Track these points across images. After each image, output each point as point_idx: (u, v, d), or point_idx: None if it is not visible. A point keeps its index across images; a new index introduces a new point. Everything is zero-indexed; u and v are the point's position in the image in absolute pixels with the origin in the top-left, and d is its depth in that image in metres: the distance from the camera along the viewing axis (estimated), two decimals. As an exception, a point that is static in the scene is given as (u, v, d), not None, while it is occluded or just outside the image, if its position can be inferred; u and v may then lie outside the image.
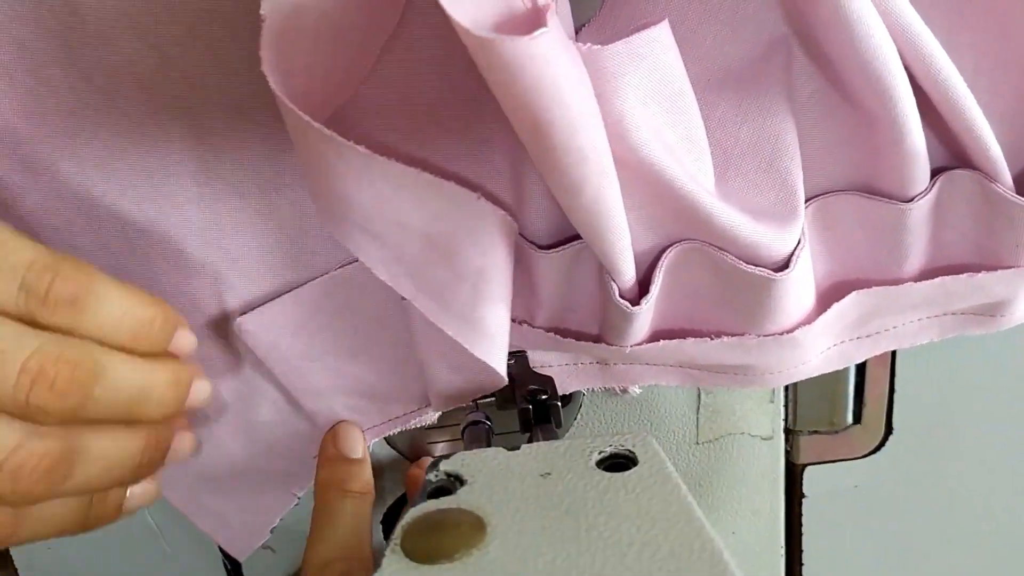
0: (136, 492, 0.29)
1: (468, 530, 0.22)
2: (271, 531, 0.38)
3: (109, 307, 0.25)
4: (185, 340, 0.27)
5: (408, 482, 0.35)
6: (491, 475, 0.24)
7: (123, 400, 0.25)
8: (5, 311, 0.23)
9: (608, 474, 0.24)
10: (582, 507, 0.22)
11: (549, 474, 0.24)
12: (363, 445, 0.34)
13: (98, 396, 0.24)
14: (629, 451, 0.25)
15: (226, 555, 0.40)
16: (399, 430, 0.36)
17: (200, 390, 0.28)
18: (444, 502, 0.23)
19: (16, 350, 0.23)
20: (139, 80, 0.28)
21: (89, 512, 0.27)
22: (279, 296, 0.32)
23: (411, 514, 0.23)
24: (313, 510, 0.33)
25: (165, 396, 0.26)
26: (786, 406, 0.39)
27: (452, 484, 0.25)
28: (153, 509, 0.39)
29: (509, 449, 0.26)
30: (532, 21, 0.22)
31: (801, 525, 0.42)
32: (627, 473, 0.24)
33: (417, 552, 0.21)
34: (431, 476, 0.25)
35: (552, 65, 0.22)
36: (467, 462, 0.25)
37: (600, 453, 0.25)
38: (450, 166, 0.31)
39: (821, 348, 0.34)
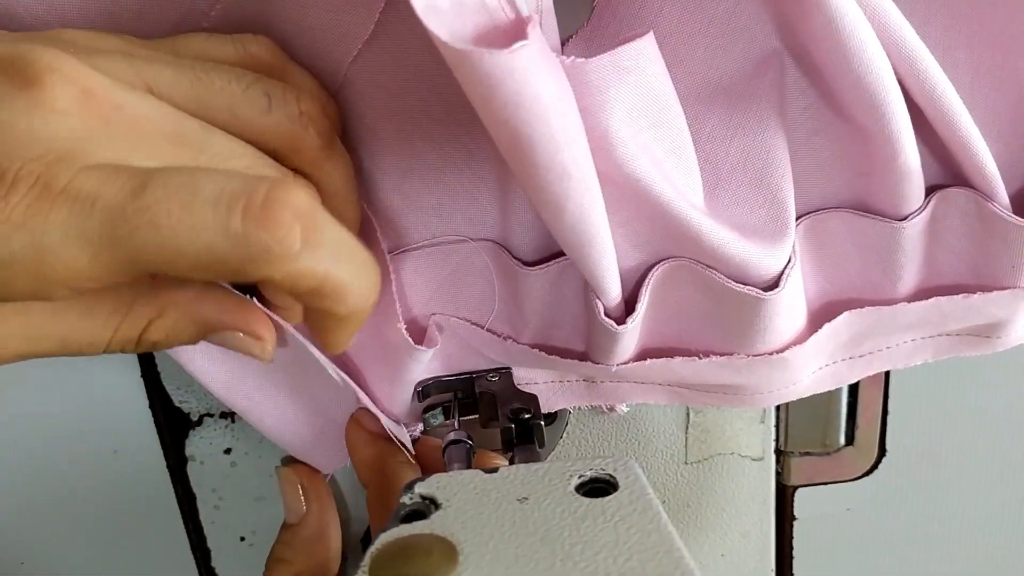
0: None
1: (439, 558, 0.21)
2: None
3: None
4: None
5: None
6: (467, 499, 0.24)
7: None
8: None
9: (587, 500, 0.23)
10: (558, 535, 0.22)
11: (527, 499, 0.24)
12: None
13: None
14: (610, 476, 0.24)
15: (197, 547, 0.40)
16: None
17: None
18: (417, 527, 0.23)
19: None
20: None
21: None
22: None
23: (382, 539, 0.22)
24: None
25: None
26: (777, 427, 0.39)
27: (426, 507, 0.24)
28: (118, 503, 0.39)
29: (487, 471, 0.25)
30: (513, 33, 0.22)
31: (792, 548, 0.42)
32: (607, 499, 0.23)
33: (386, 580, 0.21)
34: (405, 499, 0.24)
35: (532, 79, 0.21)
36: (443, 484, 0.25)
37: (580, 477, 0.24)
38: (436, 176, 0.30)
39: (812, 368, 0.34)
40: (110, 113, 0.21)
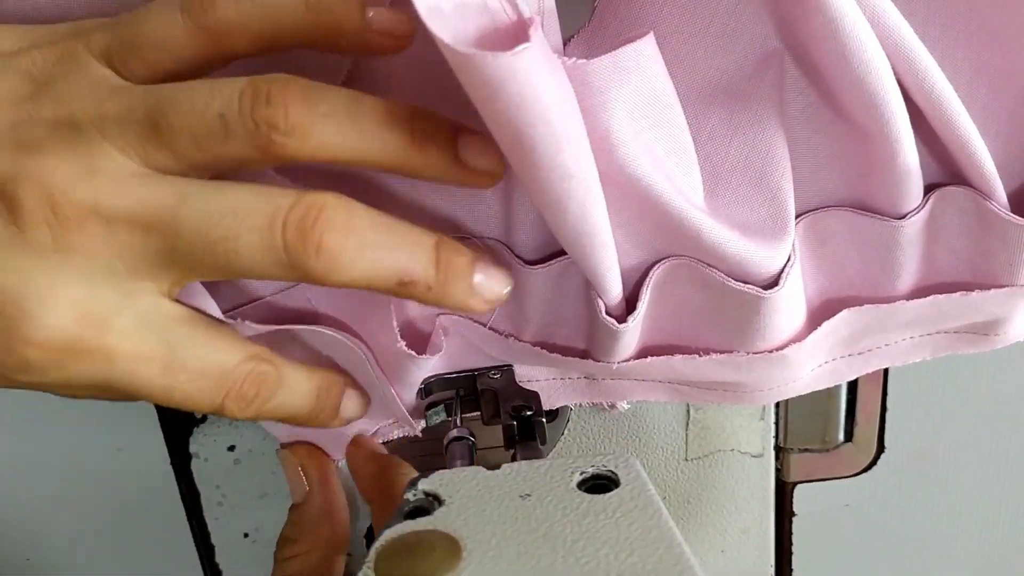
0: (349, 406, 0.32)
1: (442, 554, 0.21)
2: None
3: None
4: None
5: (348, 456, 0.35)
6: (469, 496, 0.24)
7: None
8: None
9: (588, 496, 0.23)
10: (560, 531, 0.22)
11: (529, 495, 0.24)
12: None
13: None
14: (611, 472, 0.25)
15: (200, 544, 0.40)
16: (381, 442, 0.35)
17: None
18: (420, 523, 0.23)
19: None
20: None
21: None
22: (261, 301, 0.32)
23: (386, 536, 0.22)
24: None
25: None
26: (777, 423, 0.39)
27: (430, 504, 0.24)
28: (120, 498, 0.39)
29: (489, 468, 0.26)
30: (515, 35, 0.22)
31: (791, 544, 0.42)
32: (608, 495, 0.23)
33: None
34: (409, 495, 0.25)
35: (535, 81, 0.21)
36: (445, 481, 0.25)
37: (582, 474, 0.25)
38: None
39: (812, 366, 0.34)
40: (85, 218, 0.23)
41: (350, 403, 0.32)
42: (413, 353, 0.31)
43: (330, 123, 0.24)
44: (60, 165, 0.23)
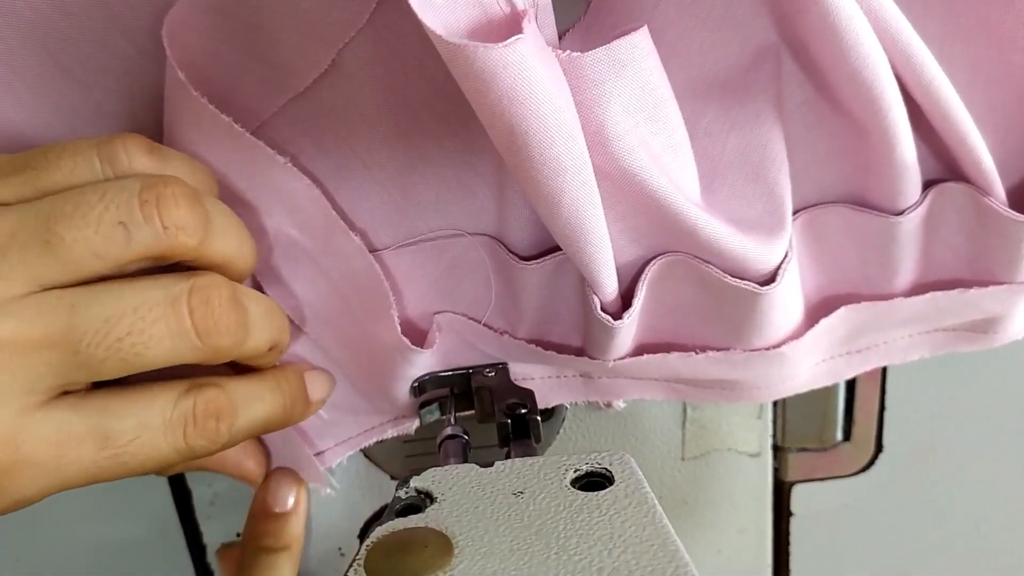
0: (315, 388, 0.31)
1: (434, 551, 0.21)
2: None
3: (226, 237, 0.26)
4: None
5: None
6: (462, 493, 0.24)
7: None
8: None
9: (582, 494, 0.23)
10: (553, 529, 0.22)
11: (522, 493, 0.24)
12: (295, 496, 0.34)
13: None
14: (606, 470, 0.24)
15: (192, 544, 0.40)
16: (376, 441, 0.35)
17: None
18: (412, 520, 0.23)
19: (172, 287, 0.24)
20: (116, 73, 0.27)
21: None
22: None
23: (377, 533, 0.22)
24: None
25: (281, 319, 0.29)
26: (774, 422, 0.39)
27: (422, 501, 0.24)
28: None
29: (483, 465, 0.25)
30: (508, 28, 0.22)
31: (789, 544, 0.42)
32: (602, 493, 0.23)
33: (380, 573, 0.21)
34: (400, 493, 0.24)
35: (527, 73, 0.21)
36: (438, 478, 0.25)
37: (576, 471, 0.24)
38: (434, 170, 0.30)
39: (810, 364, 0.34)
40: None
41: (316, 385, 0.31)
42: (415, 347, 0.31)
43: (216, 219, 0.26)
44: None
